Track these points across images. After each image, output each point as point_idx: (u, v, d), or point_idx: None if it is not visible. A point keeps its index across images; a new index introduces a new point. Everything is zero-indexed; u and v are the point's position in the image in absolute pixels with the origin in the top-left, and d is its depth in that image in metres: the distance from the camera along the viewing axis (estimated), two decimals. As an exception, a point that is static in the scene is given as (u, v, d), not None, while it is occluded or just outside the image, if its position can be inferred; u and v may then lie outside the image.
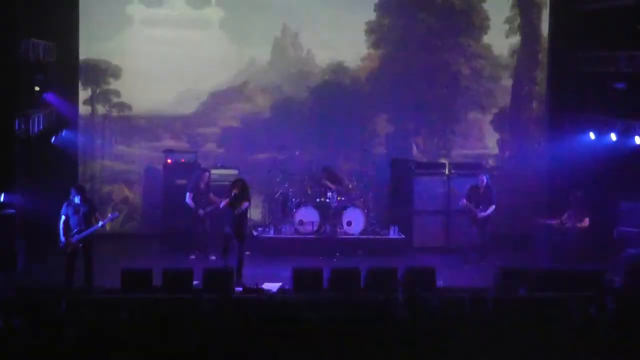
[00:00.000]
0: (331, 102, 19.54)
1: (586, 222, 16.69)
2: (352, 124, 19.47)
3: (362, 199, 18.39)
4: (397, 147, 19.73)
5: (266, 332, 10.02)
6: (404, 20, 19.62)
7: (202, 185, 17.11)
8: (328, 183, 18.11)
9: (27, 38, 15.82)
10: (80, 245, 14.39)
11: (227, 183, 17.27)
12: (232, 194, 15.30)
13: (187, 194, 17.06)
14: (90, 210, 14.57)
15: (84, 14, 18.62)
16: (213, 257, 16.73)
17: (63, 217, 14.42)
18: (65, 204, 14.49)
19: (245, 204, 15.49)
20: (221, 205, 15.50)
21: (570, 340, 10.00)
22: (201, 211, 17.00)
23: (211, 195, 17.18)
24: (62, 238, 14.38)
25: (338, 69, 19.64)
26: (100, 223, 14.57)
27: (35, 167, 17.08)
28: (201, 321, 10.73)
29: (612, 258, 16.02)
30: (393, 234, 18.12)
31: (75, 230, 14.36)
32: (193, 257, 17.00)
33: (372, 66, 19.75)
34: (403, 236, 18.13)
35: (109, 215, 15.39)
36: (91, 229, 14.42)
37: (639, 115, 16.12)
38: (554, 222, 16.92)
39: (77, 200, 14.43)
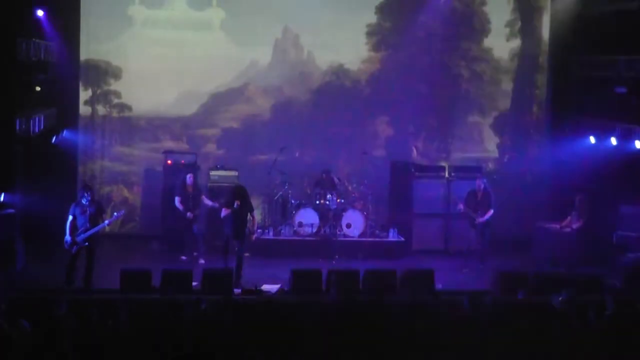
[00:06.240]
0: (331, 104, 19.54)
1: (581, 222, 16.63)
2: (352, 126, 19.48)
3: (361, 202, 18.39)
4: (397, 149, 19.72)
5: (265, 334, 10.03)
6: (405, 23, 19.62)
7: (190, 189, 17.14)
8: (331, 184, 18.14)
9: (28, 38, 15.82)
10: (86, 244, 14.49)
11: (226, 185, 17.34)
12: (235, 205, 15.26)
13: (176, 197, 17.12)
14: (98, 210, 14.69)
15: (85, 14, 18.63)
16: (202, 262, 16.73)
17: (70, 217, 14.51)
18: (73, 204, 14.64)
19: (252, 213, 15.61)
20: (222, 215, 15.50)
21: (569, 344, 10.00)
22: (189, 214, 17.04)
23: (203, 197, 17.23)
24: (69, 237, 14.46)
25: (338, 71, 19.65)
26: (106, 222, 14.72)
27: (35, 167, 17.08)
28: (200, 322, 10.73)
29: (612, 262, 16.02)
30: (392, 236, 18.11)
31: (81, 229, 14.45)
32: (184, 258, 17.02)
33: (372, 68, 19.76)
34: (402, 239, 18.11)
35: (114, 214, 15.48)
36: (96, 228, 14.54)
37: (639, 119, 16.12)
38: (557, 225, 16.87)
39: (84, 200, 14.54)
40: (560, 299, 11.71)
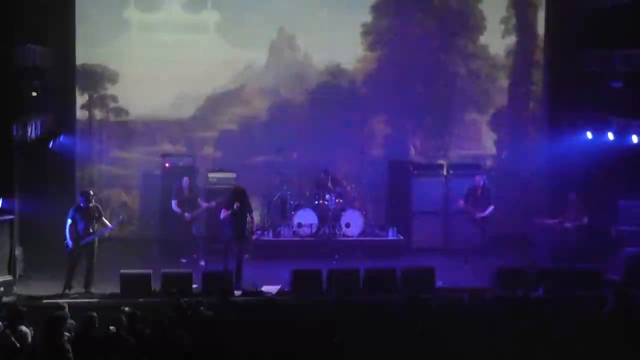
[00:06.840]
0: (328, 104, 19.52)
1: (584, 220, 16.64)
2: (349, 126, 19.45)
3: (360, 201, 18.39)
4: (394, 148, 19.72)
5: (266, 335, 10.03)
6: (401, 22, 19.61)
7: (186, 191, 17.15)
8: (329, 184, 18.16)
9: (23, 43, 15.81)
10: (87, 248, 14.52)
11: (225, 186, 17.33)
12: (235, 207, 15.28)
13: (172, 201, 17.14)
14: (97, 214, 14.72)
15: (80, 18, 18.59)
16: (202, 263, 16.73)
17: (70, 221, 14.53)
18: (72, 208, 14.70)
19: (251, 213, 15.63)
20: (221, 217, 15.52)
21: (569, 340, 10.01)
22: (187, 215, 17.05)
23: (199, 200, 17.24)
24: (70, 242, 14.51)
25: (335, 71, 19.64)
26: (109, 226, 14.84)
27: (33, 172, 17.05)
28: (201, 324, 10.74)
29: (610, 257, 16.03)
30: (392, 235, 18.11)
31: (82, 234, 14.49)
32: (184, 260, 17.03)
33: (369, 68, 19.75)
34: (402, 237, 18.12)
35: (120, 217, 15.55)
36: (98, 233, 14.62)
37: (635, 114, 16.14)
38: (553, 221, 16.89)
39: (84, 204, 14.57)
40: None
